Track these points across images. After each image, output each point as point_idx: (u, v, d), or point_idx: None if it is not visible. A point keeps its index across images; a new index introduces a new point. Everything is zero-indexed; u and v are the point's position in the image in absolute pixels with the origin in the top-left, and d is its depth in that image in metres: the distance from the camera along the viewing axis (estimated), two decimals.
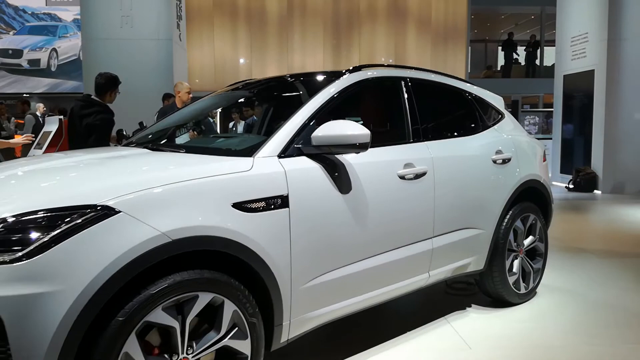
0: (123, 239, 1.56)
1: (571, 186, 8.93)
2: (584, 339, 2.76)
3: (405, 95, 2.75)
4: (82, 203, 1.57)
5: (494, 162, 3.06)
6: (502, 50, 17.46)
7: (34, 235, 1.48)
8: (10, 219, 1.50)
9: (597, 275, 3.95)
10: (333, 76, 2.55)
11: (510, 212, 3.13)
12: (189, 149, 2.35)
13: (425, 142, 2.71)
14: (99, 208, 1.56)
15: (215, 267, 1.81)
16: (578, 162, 9.34)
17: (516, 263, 3.22)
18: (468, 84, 3.35)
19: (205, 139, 3.21)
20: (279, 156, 2.07)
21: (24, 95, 14.73)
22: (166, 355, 1.70)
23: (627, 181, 8.52)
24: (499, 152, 3.11)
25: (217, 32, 13.66)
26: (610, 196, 8.30)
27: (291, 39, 13.85)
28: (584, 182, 8.73)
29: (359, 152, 2.16)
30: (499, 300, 3.24)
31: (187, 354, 1.72)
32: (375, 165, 2.38)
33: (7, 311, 1.43)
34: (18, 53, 15.74)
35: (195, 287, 1.72)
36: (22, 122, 9.24)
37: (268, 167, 2.00)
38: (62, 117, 3.93)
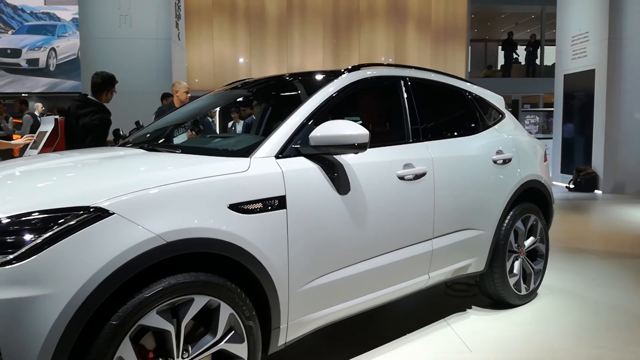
0: (116, 242, 1.53)
1: (572, 186, 8.91)
2: (586, 342, 2.73)
3: (405, 95, 2.72)
4: (75, 205, 1.54)
5: (495, 162, 3.03)
6: (502, 49, 17.44)
7: (25, 237, 1.45)
8: (2, 221, 1.47)
9: (598, 276, 3.92)
10: (332, 75, 2.52)
11: (511, 212, 3.10)
12: (185, 149, 2.32)
13: (425, 142, 2.68)
14: (92, 210, 1.53)
15: (211, 270, 1.77)
16: (578, 162, 9.31)
17: (517, 264, 3.19)
18: (468, 84, 3.32)
19: (201, 139, 3.18)
20: (277, 157, 2.04)
21: (23, 94, 14.70)
22: (161, 359, 1.66)
23: (627, 181, 8.49)
24: (499, 152, 3.08)
25: (216, 31, 13.62)
26: (611, 196, 8.27)
27: (291, 38, 13.82)
28: (585, 182, 8.70)
29: (357, 153, 2.13)
30: (499, 301, 3.21)
31: (182, 357, 1.69)
32: (374, 166, 2.35)
33: None
34: (17, 52, 15.71)
35: (191, 290, 1.69)
36: (20, 121, 9.20)
37: (265, 167, 1.97)
38: (57, 116, 3.89)
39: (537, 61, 17.12)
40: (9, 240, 1.45)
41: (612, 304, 3.30)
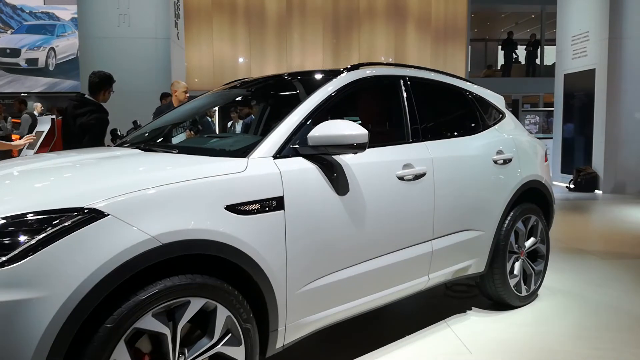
0: (111, 243, 1.51)
1: (572, 186, 8.89)
2: (587, 343, 2.71)
3: (404, 95, 2.69)
4: (68, 206, 1.51)
5: (495, 162, 3.01)
6: (501, 49, 17.41)
7: (17, 239, 1.43)
8: None
9: (598, 276, 3.90)
10: (331, 75, 2.49)
11: (512, 213, 3.08)
12: (181, 149, 2.29)
13: (425, 142, 2.65)
14: (86, 211, 1.51)
15: (208, 272, 1.75)
16: (579, 162, 9.29)
17: (517, 265, 3.17)
18: (468, 83, 3.30)
19: (199, 139, 3.15)
20: (274, 157, 2.02)
21: (22, 94, 14.68)
22: None
23: (628, 181, 8.47)
24: (499, 152, 3.06)
25: (216, 31, 13.61)
26: (611, 196, 8.25)
27: (290, 38, 13.80)
28: (585, 182, 8.68)
29: (356, 153, 2.11)
30: (499, 303, 3.18)
31: None
32: (374, 166, 2.33)
33: None
34: (16, 52, 15.69)
35: (187, 292, 1.67)
36: (19, 121, 9.18)
37: (263, 168, 1.94)
38: (54, 116, 3.87)
39: (537, 61, 17.10)
40: (1, 242, 1.42)
41: (612, 305, 3.28)
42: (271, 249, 1.89)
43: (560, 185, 9.25)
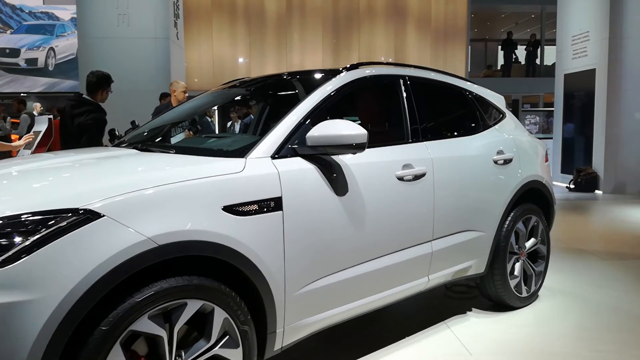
0: (106, 245, 1.49)
1: (572, 186, 8.87)
2: (587, 344, 2.69)
3: (404, 94, 2.67)
4: (63, 207, 1.49)
5: (495, 162, 2.99)
6: (501, 49, 17.40)
7: (10, 241, 1.41)
8: None
9: (599, 277, 3.88)
10: (330, 74, 2.47)
11: (512, 213, 3.06)
12: (179, 149, 2.27)
13: (425, 142, 2.64)
14: (81, 212, 1.49)
15: (205, 273, 1.73)
16: (579, 162, 9.27)
17: (518, 266, 3.15)
18: (468, 83, 3.28)
19: (196, 139, 3.13)
20: (273, 157, 2.00)
21: (21, 94, 14.66)
22: None
23: (628, 181, 8.45)
24: (500, 152, 3.04)
25: (215, 31, 13.59)
26: (612, 196, 8.23)
27: (290, 38, 13.78)
28: (585, 182, 8.66)
29: (355, 153, 2.09)
30: (500, 304, 3.17)
31: None
32: (373, 166, 2.31)
33: None
34: (15, 52, 15.68)
35: (184, 294, 1.65)
36: (18, 121, 9.16)
37: (261, 168, 1.92)
38: (51, 116, 3.85)
39: (537, 61, 17.09)
40: None
41: (613, 306, 3.26)
42: (269, 250, 1.87)
43: (560, 186, 9.23)
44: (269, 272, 1.86)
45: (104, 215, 1.51)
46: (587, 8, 8.92)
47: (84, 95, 4.03)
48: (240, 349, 1.81)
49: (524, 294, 3.19)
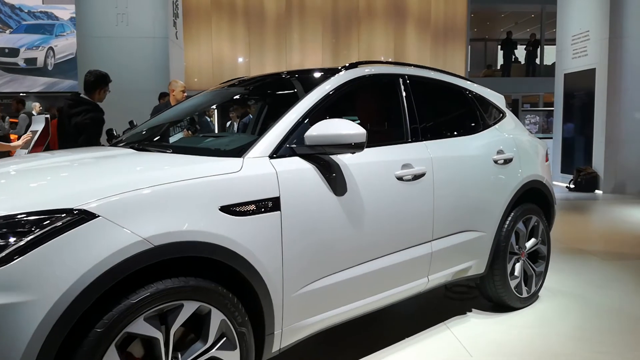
0: (101, 246, 1.47)
1: (572, 186, 8.85)
2: (588, 346, 2.67)
3: (404, 94, 2.65)
4: (57, 207, 1.47)
5: (495, 162, 2.97)
6: (501, 49, 17.38)
7: (4, 241, 1.39)
8: None
9: (600, 278, 3.86)
10: (329, 73, 2.45)
11: (512, 213, 3.04)
12: (176, 149, 2.25)
13: (424, 142, 2.61)
14: (75, 212, 1.47)
15: (202, 274, 1.71)
16: (579, 162, 9.25)
17: (518, 266, 3.13)
18: (468, 82, 3.26)
19: (194, 139, 3.11)
20: (271, 157, 1.97)
21: (21, 94, 14.64)
22: None
23: (628, 181, 8.43)
24: (500, 152, 3.02)
25: (215, 31, 13.56)
26: (612, 196, 8.22)
27: (290, 38, 13.76)
28: (585, 182, 8.65)
29: (354, 153, 2.07)
30: (500, 304, 3.15)
31: None
32: (372, 166, 2.29)
33: None
34: (14, 52, 15.65)
35: (180, 295, 1.63)
36: (17, 121, 9.14)
37: (258, 168, 1.90)
38: (48, 116, 3.83)
39: (537, 60, 17.07)
40: None
41: (613, 306, 3.24)
42: (267, 251, 1.85)
43: (560, 185, 9.22)
44: (266, 273, 1.84)
45: (98, 216, 1.49)
46: (587, 7, 8.90)
47: (81, 95, 4.01)
48: (237, 351, 1.79)
49: (525, 295, 3.17)
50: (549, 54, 16.12)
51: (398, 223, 2.39)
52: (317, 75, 2.54)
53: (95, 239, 1.47)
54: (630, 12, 8.26)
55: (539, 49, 17.06)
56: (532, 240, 3.24)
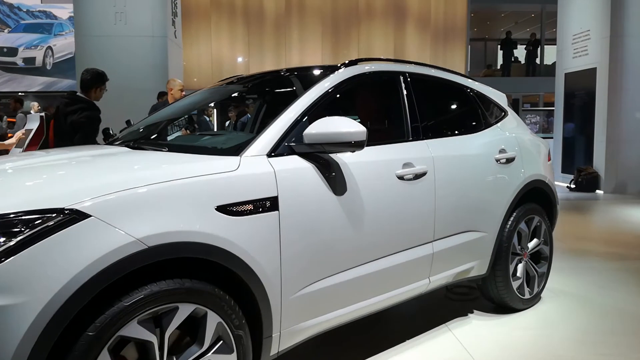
0: (93, 247, 1.42)
1: (573, 186, 8.82)
2: (592, 348, 2.63)
3: (404, 91, 2.61)
4: (48, 206, 1.42)
5: (497, 161, 2.92)
6: (500, 49, 17.35)
7: None
8: None
9: (602, 278, 3.82)
10: (328, 70, 2.40)
11: (514, 213, 3.00)
12: (171, 147, 2.20)
13: (425, 141, 2.57)
14: (66, 212, 1.42)
15: (198, 276, 1.66)
16: (579, 162, 9.22)
17: (520, 267, 3.09)
18: (469, 80, 3.22)
19: (190, 137, 3.07)
20: (269, 155, 1.93)
21: (19, 93, 14.59)
22: None
23: (629, 181, 8.40)
24: (502, 151, 2.98)
25: (214, 30, 13.53)
26: (613, 196, 8.18)
27: (289, 37, 13.72)
28: (586, 181, 8.61)
29: (354, 151, 2.02)
30: (502, 306, 3.10)
31: None
32: (372, 165, 2.24)
33: None
34: (13, 51, 15.60)
35: (175, 297, 1.58)
36: (15, 120, 9.10)
37: (256, 166, 1.86)
38: (43, 114, 3.78)
39: (537, 60, 17.04)
40: None
41: (616, 307, 3.21)
42: (265, 252, 1.80)
43: (561, 185, 9.18)
44: (264, 274, 1.80)
45: (91, 216, 1.44)
46: (588, 6, 8.86)
47: (77, 93, 3.97)
48: (234, 355, 1.74)
49: (527, 296, 3.13)
50: (549, 54, 16.09)
51: (399, 223, 2.35)
52: (316, 72, 2.50)
53: (88, 239, 1.42)
54: (631, 11, 8.23)
55: (539, 49, 17.03)
56: (535, 240, 3.20)
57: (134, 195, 1.54)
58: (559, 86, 9.80)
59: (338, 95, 2.31)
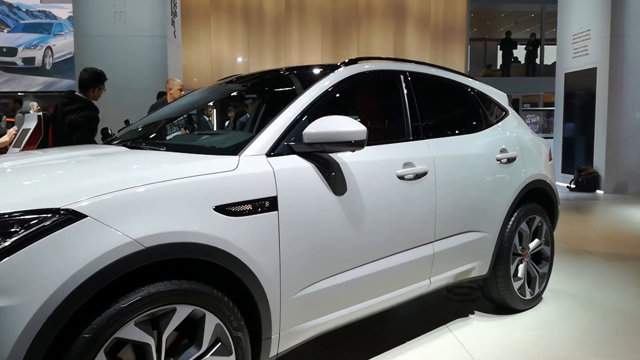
0: (89, 248, 1.40)
1: (573, 186, 8.80)
2: (593, 349, 2.61)
3: (405, 91, 2.59)
4: (44, 207, 1.40)
5: (499, 161, 2.90)
6: (500, 49, 17.34)
7: None
8: None
9: (602, 279, 3.81)
10: (328, 69, 2.38)
11: (515, 214, 2.98)
12: (169, 146, 2.18)
13: (426, 140, 2.55)
14: (62, 212, 1.40)
15: (196, 277, 1.64)
16: (580, 162, 9.20)
17: (521, 267, 3.07)
18: (470, 79, 3.20)
19: (189, 136, 3.04)
20: (268, 155, 1.91)
21: (19, 93, 14.56)
22: None
23: (629, 181, 8.38)
24: (503, 150, 2.96)
25: (214, 30, 13.51)
26: (613, 196, 8.16)
27: (289, 37, 13.70)
28: (586, 181, 8.60)
29: (354, 151, 1.99)
30: (503, 306, 3.08)
31: None
32: (372, 165, 2.22)
33: None
34: (12, 51, 15.56)
35: (173, 299, 1.56)
36: (14, 120, 9.07)
37: (255, 166, 1.84)
38: (40, 114, 3.76)
39: (537, 60, 17.03)
40: None
41: (617, 308, 3.19)
42: (264, 252, 1.78)
43: (561, 185, 9.16)
44: (263, 275, 1.78)
45: (87, 216, 1.42)
46: (588, 6, 8.85)
47: (76, 93, 3.95)
48: (233, 356, 1.72)
49: (528, 297, 3.11)
50: (549, 54, 16.08)
51: (399, 223, 2.33)
52: (316, 71, 2.48)
53: (84, 240, 1.40)
54: (631, 11, 8.21)
55: (539, 49, 17.02)
56: (536, 241, 3.18)
57: (131, 196, 1.52)
58: (559, 86, 9.78)
59: (338, 95, 2.29)
